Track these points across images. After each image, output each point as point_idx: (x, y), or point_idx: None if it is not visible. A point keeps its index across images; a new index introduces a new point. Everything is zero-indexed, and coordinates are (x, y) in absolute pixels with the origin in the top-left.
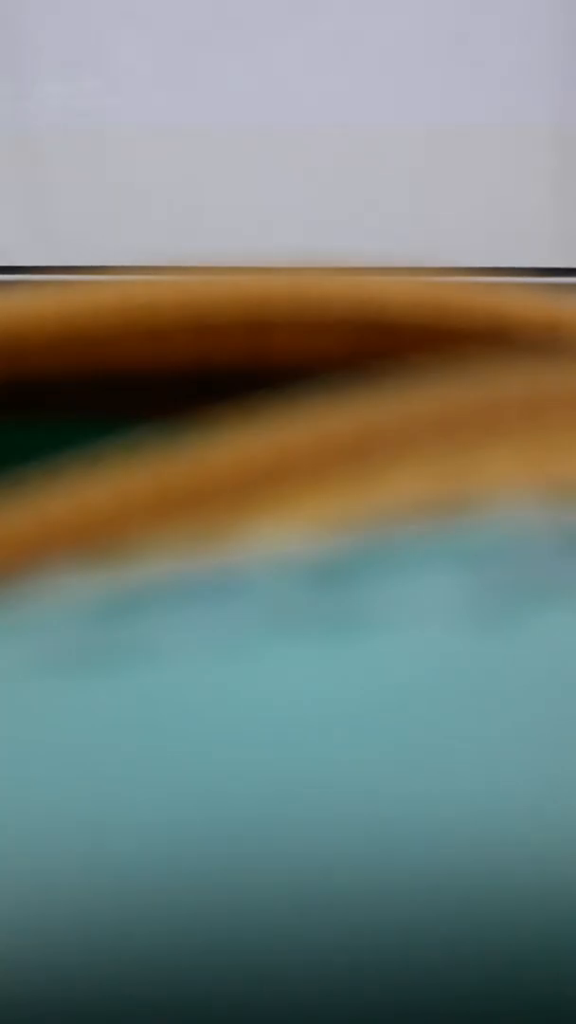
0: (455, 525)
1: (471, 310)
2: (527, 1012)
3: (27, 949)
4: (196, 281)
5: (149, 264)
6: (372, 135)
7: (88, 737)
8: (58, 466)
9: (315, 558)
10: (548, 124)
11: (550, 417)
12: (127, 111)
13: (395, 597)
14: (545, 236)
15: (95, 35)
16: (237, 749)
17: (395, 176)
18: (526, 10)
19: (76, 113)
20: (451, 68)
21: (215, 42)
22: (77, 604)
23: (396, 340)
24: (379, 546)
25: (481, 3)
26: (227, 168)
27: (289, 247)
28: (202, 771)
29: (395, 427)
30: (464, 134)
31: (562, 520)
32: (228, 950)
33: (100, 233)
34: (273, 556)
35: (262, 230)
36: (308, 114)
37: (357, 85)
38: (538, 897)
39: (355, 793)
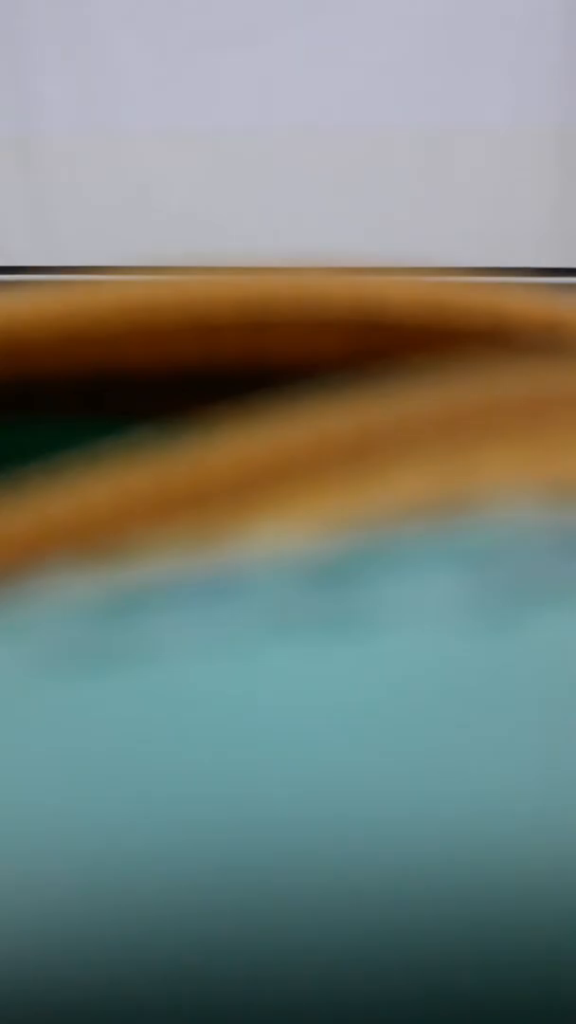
0: (455, 525)
1: (471, 310)
2: (527, 1010)
3: (29, 948)
4: (196, 281)
5: (149, 264)
6: (373, 135)
7: (89, 737)
8: (58, 466)
9: (315, 558)
10: (549, 125)
11: (550, 417)
12: (128, 113)
13: (395, 597)
14: (546, 236)
15: (97, 39)
16: (237, 749)
17: (396, 176)
18: (528, 11)
19: (78, 115)
20: (451, 69)
21: (216, 46)
22: (77, 604)
23: (396, 340)
24: (379, 546)
25: (483, 4)
26: (227, 169)
27: (289, 247)
28: (203, 770)
29: (395, 427)
30: (464, 135)
31: (561, 520)
32: (230, 948)
33: (101, 234)
34: (273, 556)
35: (262, 230)
36: (308, 114)
37: (357, 85)
38: (539, 895)
39: (356, 792)
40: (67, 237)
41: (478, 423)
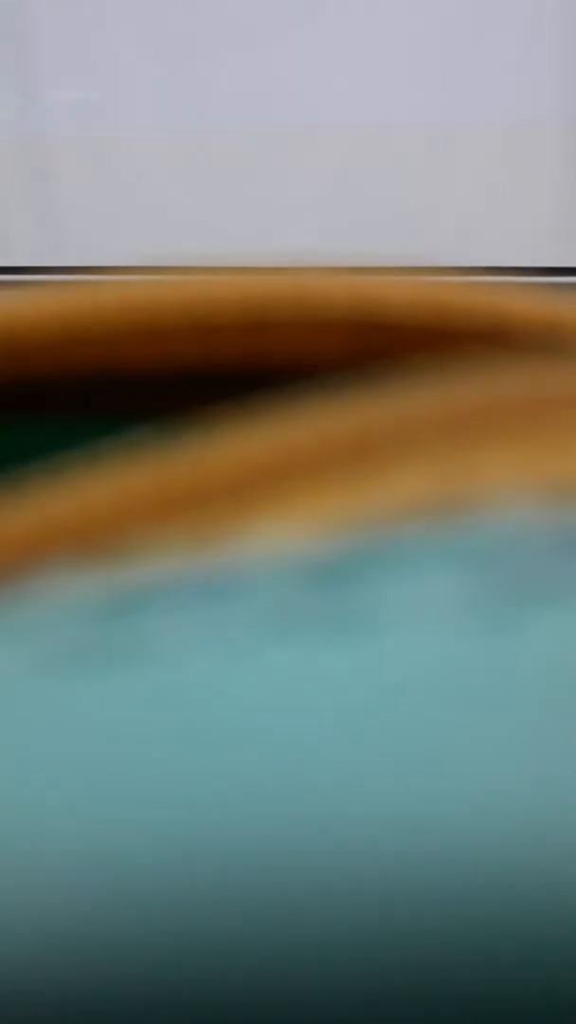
0: (455, 525)
1: (471, 310)
2: (527, 1010)
3: (29, 947)
4: (196, 281)
5: (150, 264)
6: (373, 134)
7: (89, 736)
8: (58, 466)
9: (315, 558)
10: (550, 125)
11: (550, 417)
12: (130, 114)
13: (395, 597)
14: (549, 235)
15: (99, 41)
16: (238, 749)
17: (396, 176)
18: (531, 9)
19: (80, 116)
20: (452, 68)
21: (216, 46)
22: (77, 604)
23: (396, 340)
24: (379, 546)
25: (485, 2)
26: (228, 169)
27: (289, 247)
28: (202, 771)
29: (395, 427)
30: (465, 134)
31: (561, 520)
32: (230, 947)
33: (101, 234)
34: (273, 556)
35: (263, 230)
36: (309, 114)
37: (358, 85)
38: (539, 895)
39: (356, 791)
40: (67, 237)
41: (478, 423)
